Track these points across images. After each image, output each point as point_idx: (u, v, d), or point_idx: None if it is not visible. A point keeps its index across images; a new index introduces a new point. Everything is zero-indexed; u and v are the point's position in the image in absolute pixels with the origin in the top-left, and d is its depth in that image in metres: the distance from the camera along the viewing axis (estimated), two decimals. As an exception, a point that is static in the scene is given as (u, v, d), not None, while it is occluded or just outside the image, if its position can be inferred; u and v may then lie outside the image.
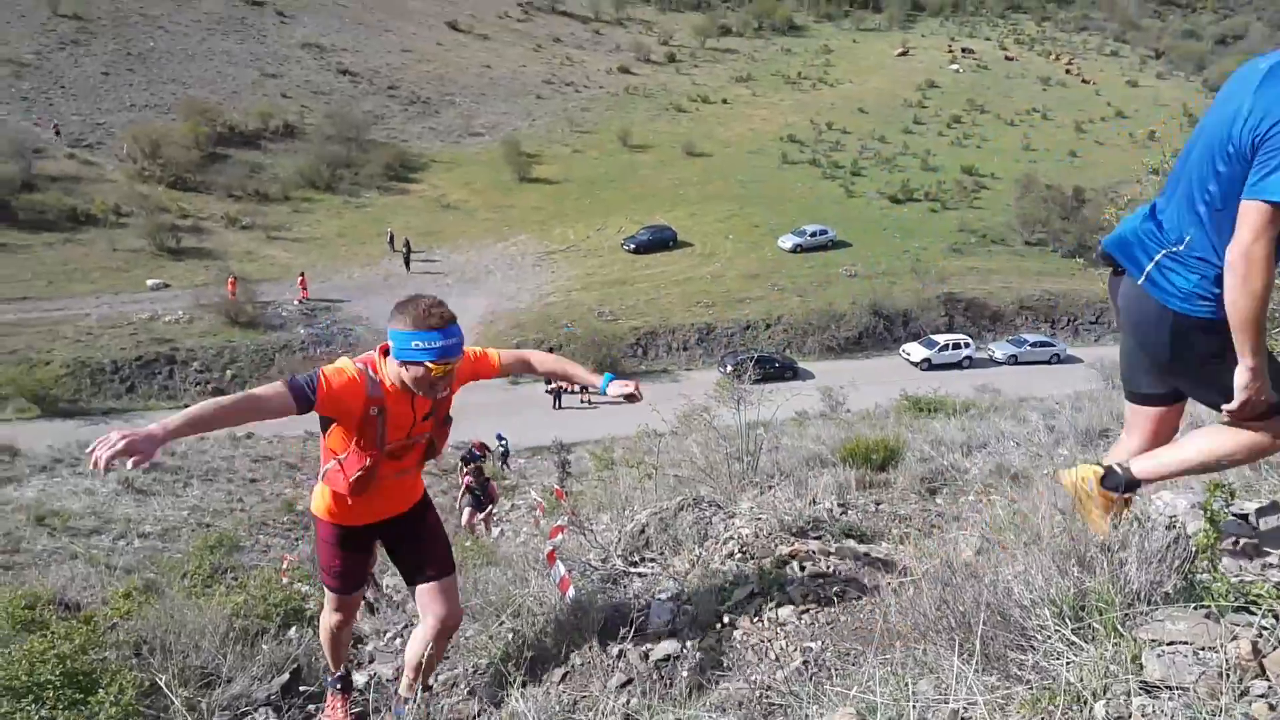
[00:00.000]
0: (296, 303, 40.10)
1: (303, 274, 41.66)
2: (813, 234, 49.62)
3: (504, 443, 25.05)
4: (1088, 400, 14.96)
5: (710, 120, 70.66)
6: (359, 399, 3.21)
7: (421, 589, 3.57)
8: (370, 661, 4.47)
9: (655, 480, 7.30)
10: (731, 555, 4.08)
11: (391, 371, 3.25)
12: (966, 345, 40.76)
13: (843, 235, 50.66)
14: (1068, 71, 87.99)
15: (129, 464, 2.55)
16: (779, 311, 43.12)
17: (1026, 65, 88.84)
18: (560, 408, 34.30)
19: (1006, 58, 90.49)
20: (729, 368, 34.05)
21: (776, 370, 36.56)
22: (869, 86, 79.83)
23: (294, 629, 4.60)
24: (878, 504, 5.41)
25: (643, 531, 4.52)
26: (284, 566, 10.73)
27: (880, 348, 42.33)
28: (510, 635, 3.85)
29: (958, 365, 39.40)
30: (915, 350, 40.32)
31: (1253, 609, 2.47)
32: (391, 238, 46.77)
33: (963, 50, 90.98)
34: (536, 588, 3.99)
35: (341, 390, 3.17)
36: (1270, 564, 3.05)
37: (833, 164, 62.50)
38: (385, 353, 3.30)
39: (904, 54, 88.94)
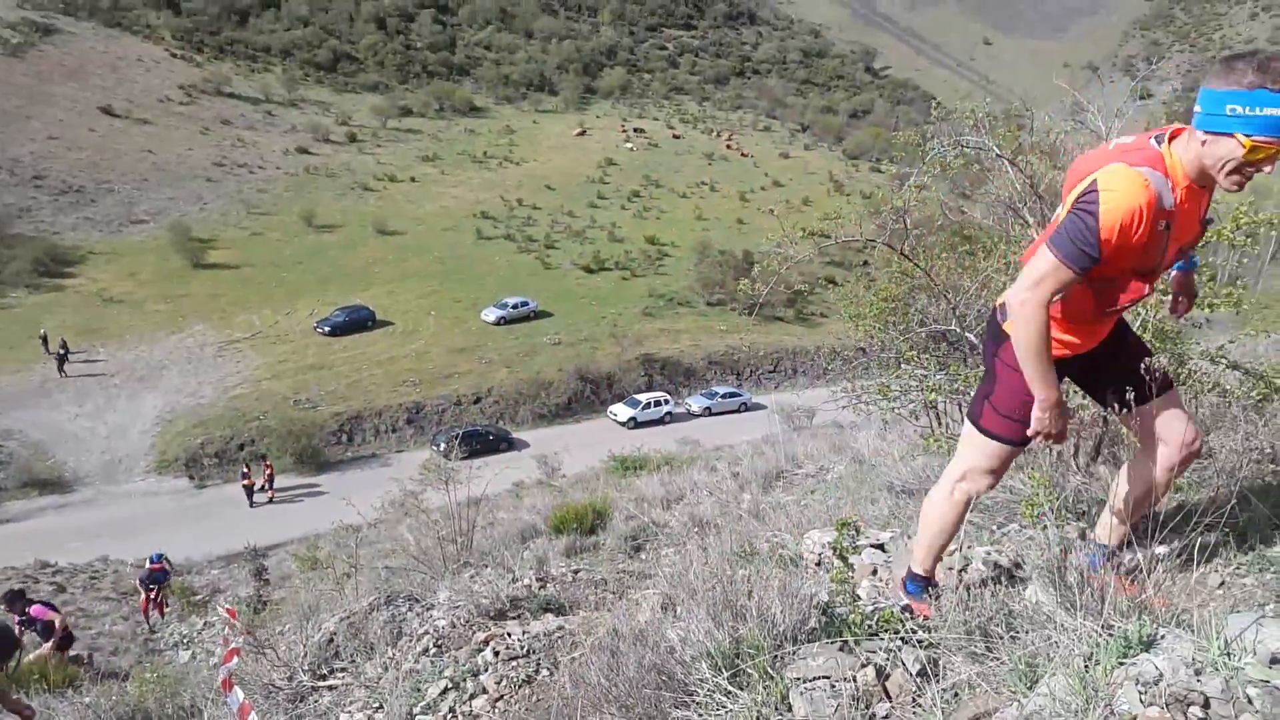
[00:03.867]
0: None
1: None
2: (515, 306, 50.28)
3: (160, 562, 20.21)
4: (768, 445, 16.21)
5: (400, 199, 69.97)
6: (1149, 218, 2.53)
7: (1149, 409, 2.99)
8: None
9: (356, 578, 6.98)
10: (426, 651, 3.99)
11: (1191, 163, 2.56)
12: (666, 402, 42.87)
13: (544, 305, 51.78)
14: (728, 146, 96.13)
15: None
16: (488, 384, 43.10)
17: (692, 142, 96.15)
18: (255, 505, 31.86)
19: (674, 136, 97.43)
20: (441, 445, 33.45)
21: (491, 443, 36.43)
22: (553, 164, 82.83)
23: None
24: (576, 573, 5.52)
25: (331, 640, 4.31)
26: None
27: (589, 411, 43.45)
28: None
29: (660, 421, 41.30)
30: (621, 410, 41.83)
31: (883, 635, 2.78)
32: (45, 339, 41.61)
33: (634, 130, 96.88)
34: (213, 721, 3.66)
35: (1130, 219, 2.51)
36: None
37: (527, 238, 63.97)
38: (1168, 139, 2.63)
39: (582, 134, 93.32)
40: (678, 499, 12.46)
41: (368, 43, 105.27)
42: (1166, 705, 1.84)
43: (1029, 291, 2.66)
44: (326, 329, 46.37)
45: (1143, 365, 2.96)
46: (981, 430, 3.05)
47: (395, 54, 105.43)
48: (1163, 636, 2.06)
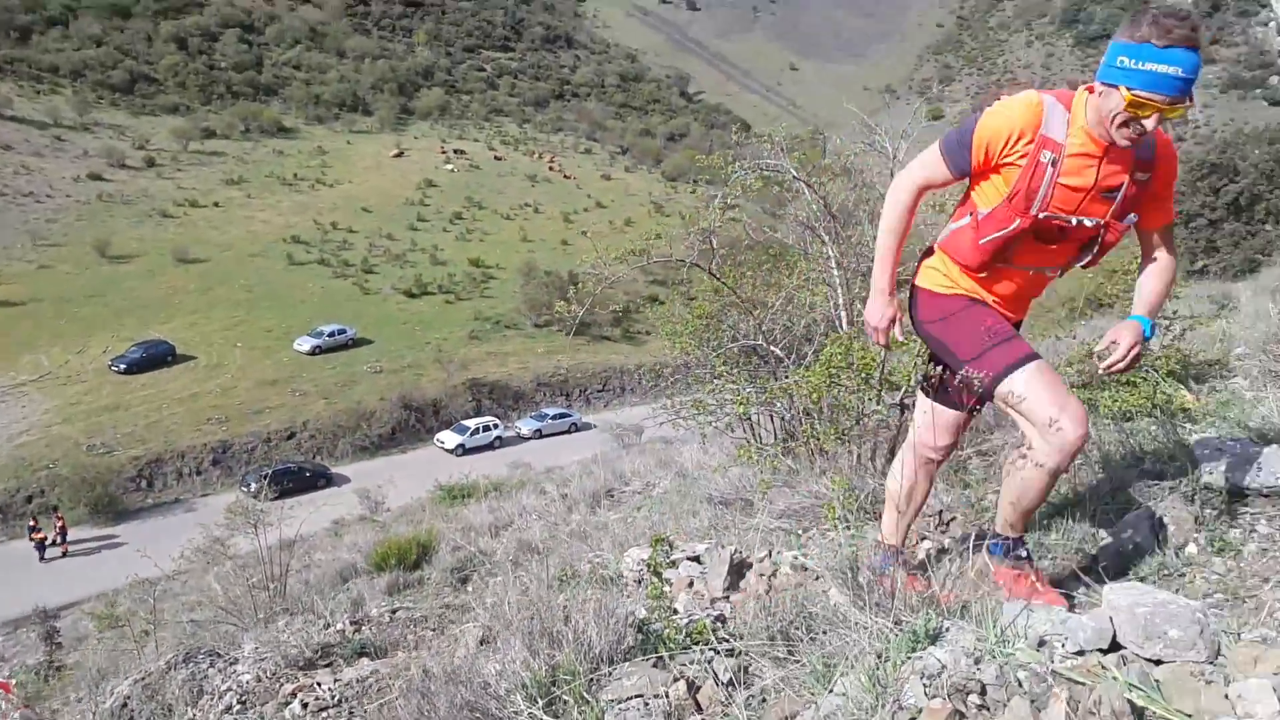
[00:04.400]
0: None
1: None
2: (331, 334, 48.40)
3: None
4: (598, 464, 16.32)
5: (203, 225, 66.12)
6: (1028, 138, 2.60)
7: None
8: None
9: (156, 635, 6.49)
10: (230, 709, 3.75)
11: (1092, 113, 2.55)
12: (496, 426, 42.33)
13: (363, 333, 50.09)
14: (550, 168, 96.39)
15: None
16: (303, 417, 41.19)
17: (514, 164, 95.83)
18: (46, 561, 29.12)
19: (495, 157, 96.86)
20: (251, 486, 31.71)
21: (307, 480, 34.84)
22: (369, 186, 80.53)
23: None
24: (395, 612, 5.34)
25: (125, 705, 3.98)
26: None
27: (415, 440, 42.29)
28: None
29: (490, 447, 40.72)
30: (449, 438, 40.94)
31: (696, 648, 2.82)
32: None
33: (455, 151, 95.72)
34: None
35: (1004, 132, 2.63)
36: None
37: (343, 263, 61.78)
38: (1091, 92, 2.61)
39: (399, 155, 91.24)
40: (506, 525, 12.34)
41: (168, 63, 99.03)
42: (948, 695, 1.94)
43: (906, 169, 2.85)
44: (122, 366, 43.03)
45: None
46: (999, 382, 2.69)
47: (197, 74, 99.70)
48: (947, 629, 2.19)
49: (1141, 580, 3.10)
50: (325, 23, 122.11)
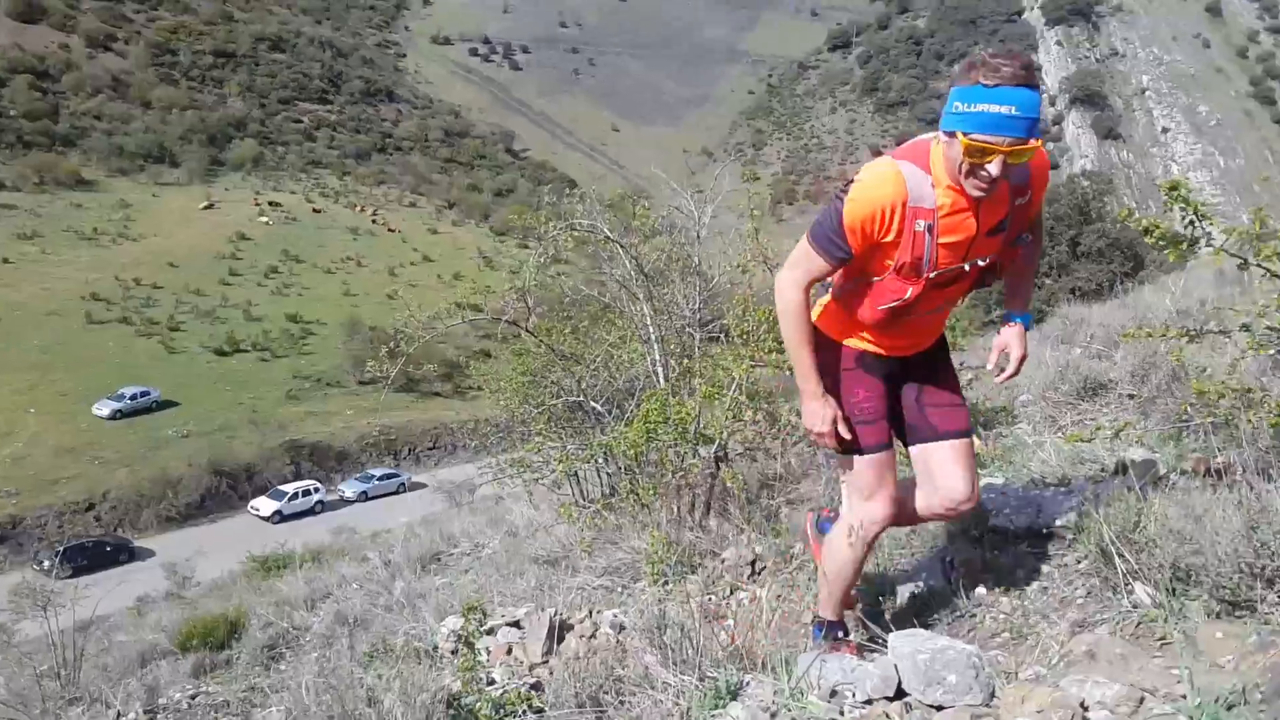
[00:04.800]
0: None
1: None
2: (133, 397, 45.09)
3: None
4: (426, 526, 15.81)
5: (-11, 282, 60.67)
6: (897, 216, 2.49)
7: (926, 450, 2.91)
8: None
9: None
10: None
11: (943, 164, 2.46)
12: (317, 490, 40.42)
13: (168, 395, 46.91)
14: (374, 221, 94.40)
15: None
16: (104, 487, 38.02)
17: (335, 216, 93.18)
18: None
19: (314, 210, 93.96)
20: (43, 564, 28.93)
21: (108, 555, 32.14)
22: (177, 240, 76.21)
23: None
24: (194, 697, 4.96)
25: None
26: None
27: (228, 508, 39.78)
28: None
29: (311, 512, 38.81)
30: (265, 504, 38.70)
31: (509, 718, 2.76)
32: None
33: (270, 203, 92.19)
34: None
35: (872, 215, 2.50)
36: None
37: (147, 320, 57.90)
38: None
39: (210, 207, 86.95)
40: (324, 597, 11.73)
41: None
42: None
43: (785, 270, 2.71)
44: (-110, 437, 38.65)
45: (944, 402, 2.89)
46: (841, 454, 2.87)
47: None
48: (748, 683, 2.23)
49: (935, 624, 3.28)
50: (129, 72, 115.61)
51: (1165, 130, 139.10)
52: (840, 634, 3.04)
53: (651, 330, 5.63)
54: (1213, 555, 2.41)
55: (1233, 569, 2.17)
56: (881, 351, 2.85)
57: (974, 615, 3.27)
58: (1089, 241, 23.89)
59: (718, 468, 4.80)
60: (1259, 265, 2.81)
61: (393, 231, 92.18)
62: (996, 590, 3.38)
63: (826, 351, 2.85)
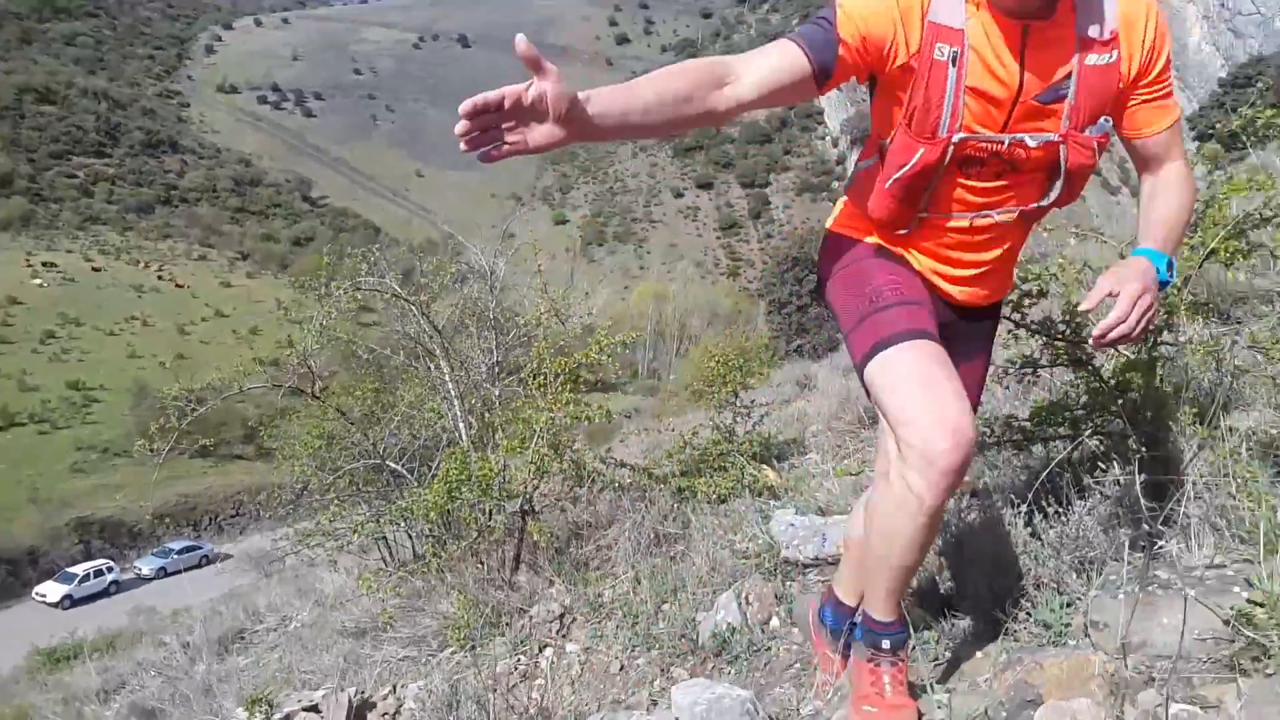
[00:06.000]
0: None
1: None
2: (-118, 486, 40.26)
3: None
4: (230, 600, 14.84)
5: None
6: (910, 23, 1.77)
7: None
8: None
9: None
10: None
11: None
12: (110, 569, 37.22)
13: (-71, 478, 42.27)
14: (160, 278, 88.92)
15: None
16: None
17: (116, 274, 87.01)
18: None
19: (94, 269, 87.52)
20: None
21: None
22: (-67, 307, 69.13)
23: None
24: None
25: None
26: None
27: (7, 597, 36.00)
28: None
29: (105, 593, 35.69)
30: (52, 589, 35.21)
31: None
32: None
33: (44, 264, 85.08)
34: None
35: (879, 9, 1.76)
36: None
37: (-100, 399, 52.02)
38: None
39: (-28, 270, 79.47)
40: (119, 687, 10.82)
41: None
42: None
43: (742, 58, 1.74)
44: None
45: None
46: (863, 370, 1.93)
47: None
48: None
49: (735, 660, 3.37)
50: None
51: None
52: (891, 640, 2.07)
53: (451, 387, 5.56)
54: (970, 578, 2.61)
55: (985, 590, 2.35)
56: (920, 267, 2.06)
57: (769, 648, 3.38)
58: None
59: (524, 522, 4.76)
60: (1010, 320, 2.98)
61: (181, 287, 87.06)
62: (788, 622, 3.51)
63: (850, 244, 2.11)
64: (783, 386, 9.89)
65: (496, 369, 5.58)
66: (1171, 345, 2.76)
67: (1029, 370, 3.10)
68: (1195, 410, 2.41)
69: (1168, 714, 1.50)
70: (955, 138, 1.79)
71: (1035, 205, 1.92)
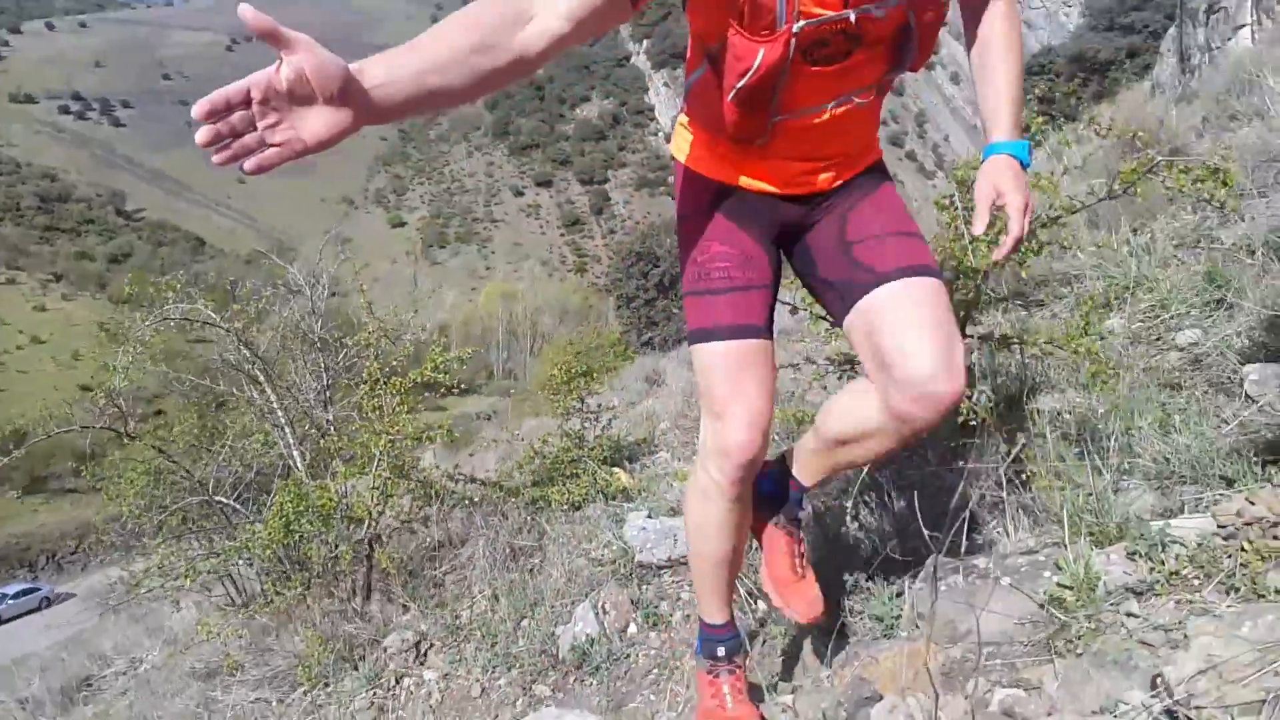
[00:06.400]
0: None
1: None
2: None
3: None
4: (72, 646, 13.77)
5: None
6: None
7: (865, 311, 1.76)
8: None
9: None
10: None
11: None
12: (-73, 626, 34.02)
13: None
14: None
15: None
16: None
17: (-90, 306, 79.74)
18: None
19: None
20: None
21: None
22: None
23: None
24: None
25: None
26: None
27: None
28: None
29: (-80, 656, 32.52)
30: None
31: None
32: None
33: None
34: None
35: None
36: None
37: None
38: None
39: None
40: (-58, 762, 9.85)
41: None
42: None
43: None
44: None
45: (882, 229, 1.82)
46: (690, 344, 1.91)
47: None
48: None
49: (598, 671, 3.35)
50: None
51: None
52: (726, 646, 2.10)
53: (280, 414, 5.29)
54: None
55: (820, 583, 2.41)
56: (755, 183, 1.85)
57: (628, 656, 3.38)
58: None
59: (371, 549, 4.60)
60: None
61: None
62: (646, 627, 3.53)
63: (692, 185, 1.94)
64: (631, 386, 9.95)
65: (327, 393, 5.35)
66: (972, 338, 2.91)
67: (849, 366, 3.20)
68: (1003, 396, 2.55)
69: (993, 700, 1.57)
70: (795, 27, 1.53)
71: (888, 75, 1.72)
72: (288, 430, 5.23)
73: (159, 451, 5.17)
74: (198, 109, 1.10)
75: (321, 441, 5.04)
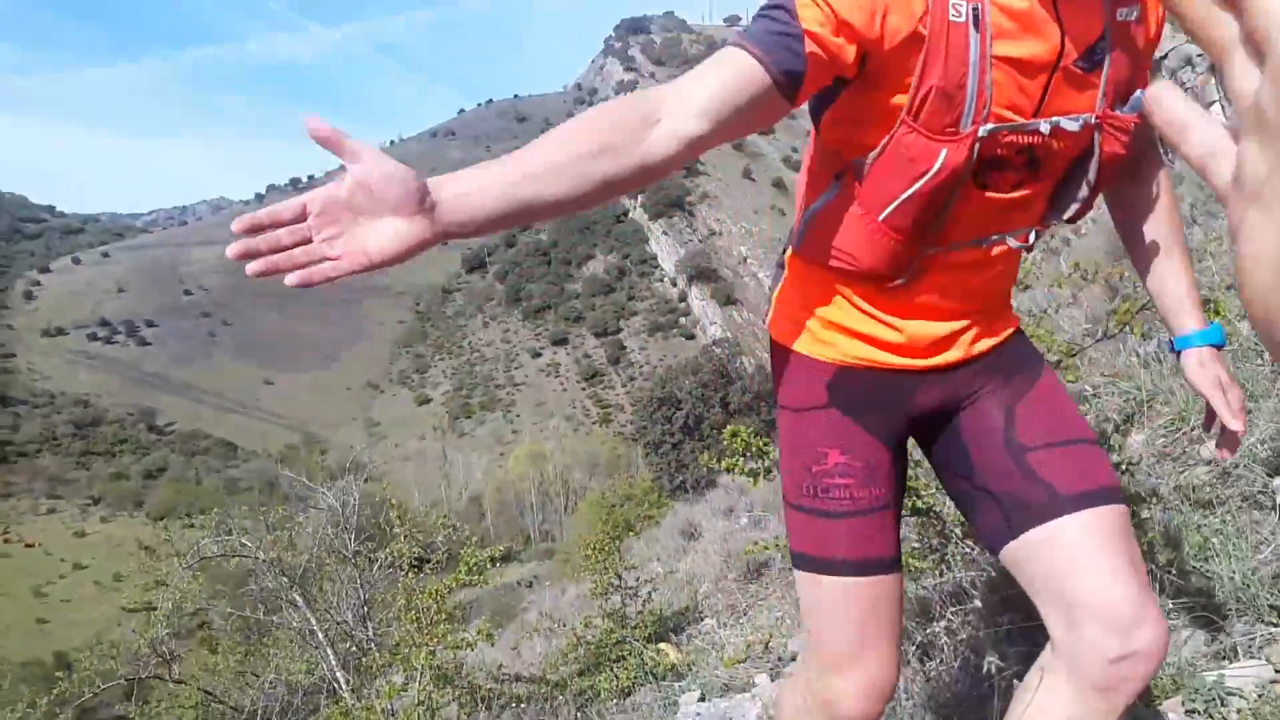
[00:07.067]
0: None
1: None
2: None
3: None
4: None
5: None
6: None
7: (1044, 540, 1.40)
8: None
9: None
10: None
11: None
12: None
13: None
14: (6, 541, 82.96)
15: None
16: None
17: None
18: None
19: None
20: None
21: None
22: None
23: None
24: None
25: None
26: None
27: None
28: None
29: None
30: None
31: None
32: None
33: None
34: None
35: None
36: None
37: None
38: None
39: None
40: None
41: None
42: None
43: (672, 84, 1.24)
44: None
45: (1056, 434, 1.49)
46: (794, 563, 1.61)
47: None
48: None
49: None
50: None
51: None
52: None
53: (320, 635, 5.27)
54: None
55: None
56: (890, 356, 1.53)
57: None
58: (736, 399, 26.31)
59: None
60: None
61: (31, 547, 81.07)
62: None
63: (802, 373, 1.60)
64: (668, 544, 9.83)
65: (365, 609, 5.33)
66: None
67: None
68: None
69: None
70: (982, 130, 1.29)
71: (1046, 218, 1.46)
72: (329, 651, 5.19)
73: (206, 694, 5.12)
74: (237, 224, 1.04)
75: (363, 660, 4.99)
